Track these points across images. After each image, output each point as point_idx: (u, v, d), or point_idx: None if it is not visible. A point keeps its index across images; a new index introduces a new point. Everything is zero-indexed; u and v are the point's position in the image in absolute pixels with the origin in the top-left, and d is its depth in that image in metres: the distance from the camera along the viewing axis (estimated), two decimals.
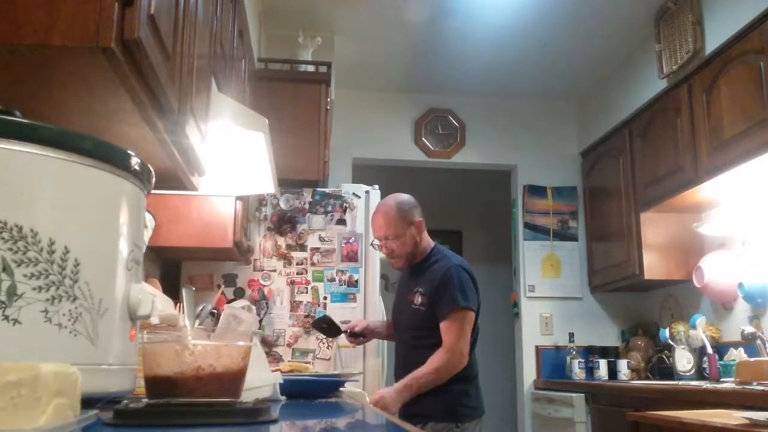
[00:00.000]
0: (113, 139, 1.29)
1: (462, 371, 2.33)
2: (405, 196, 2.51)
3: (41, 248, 0.72)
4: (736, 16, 3.09)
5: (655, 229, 3.93)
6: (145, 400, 0.84)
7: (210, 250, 2.74)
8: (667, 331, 3.82)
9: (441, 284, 2.33)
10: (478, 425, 2.36)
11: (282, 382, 1.26)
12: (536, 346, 4.58)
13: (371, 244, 2.62)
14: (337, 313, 3.16)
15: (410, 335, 2.44)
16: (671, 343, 3.76)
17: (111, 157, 0.82)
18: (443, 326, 2.31)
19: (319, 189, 3.34)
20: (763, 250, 3.35)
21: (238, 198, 2.71)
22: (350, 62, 4.25)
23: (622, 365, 4.11)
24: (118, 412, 0.78)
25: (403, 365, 2.44)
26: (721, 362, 3.35)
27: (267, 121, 2.08)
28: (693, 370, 3.63)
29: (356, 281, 3.20)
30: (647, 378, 4.04)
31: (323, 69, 3.62)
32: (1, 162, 0.72)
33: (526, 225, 4.77)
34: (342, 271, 3.21)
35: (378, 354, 3.13)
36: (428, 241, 2.50)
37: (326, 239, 3.24)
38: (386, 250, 2.46)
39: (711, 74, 3.26)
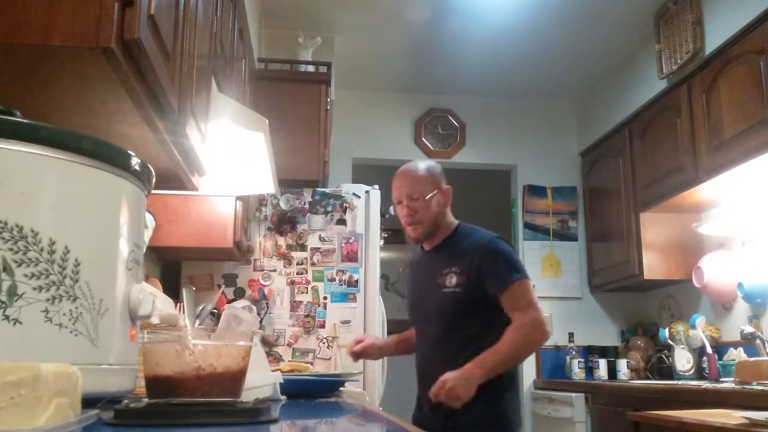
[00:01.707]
0: (113, 139, 1.29)
1: (511, 375, 2.07)
2: (433, 162, 2.25)
3: (42, 248, 0.72)
4: (736, 16, 3.09)
5: (654, 229, 3.93)
6: (146, 400, 0.84)
7: (210, 250, 2.74)
8: (666, 331, 3.83)
9: (487, 258, 2.02)
10: None
11: (282, 381, 1.26)
12: None
13: (385, 214, 2.28)
14: (337, 313, 3.17)
15: (443, 327, 2.07)
16: (671, 342, 3.77)
17: (111, 157, 0.82)
18: (507, 302, 2.00)
19: (319, 189, 3.34)
20: (762, 250, 3.36)
21: (238, 198, 2.71)
22: (350, 62, 4.25)
23: (622, 365, 4.12)
24: (119, 411, 0.78)
25: (432, 366, 2.07)
26: (721, 362, 3.36)
27: (267, 121, 2.08)
28: (692, 370, 3.63)
29: (356, 281, 3.20)
30: (647, 378, 4.04)
31: (323, 69, 3.63)
32: (1, 162, 0.72)
33: (526, 225, 4.77)
34: (342, 271, 3.21)
35: None
36: (452, 218, 2.20)
37: (326, 239, 3.24)
38: (408, 211, 2.11)
39: (711, 74, 3.26)
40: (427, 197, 2.10)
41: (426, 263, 2.20)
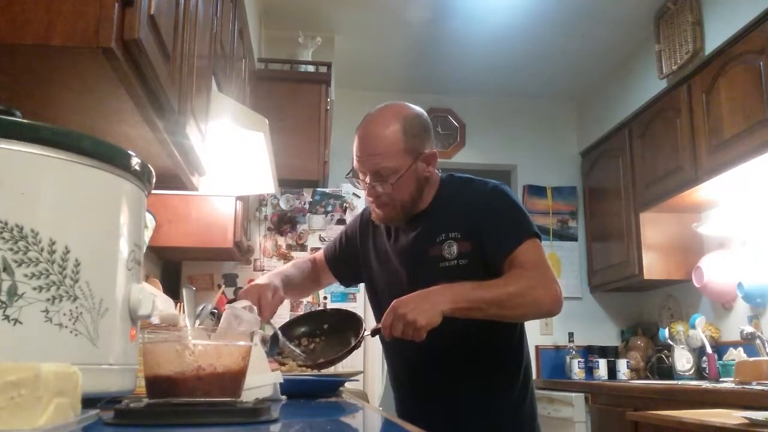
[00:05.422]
0: (113, 139, 1.29)
1: (527, 374, 1.61)
2: (415, 110, 1.57)
3: (42, 248, 0.72)
4: (735, 17, 3.10)
5: (654, 229, 3.94)
6: (146, 400, 0.84)
7: (210, 250, 2.74)
8: (666, 330, 3.83)
9: (494, 209, 1.52)
10: None
11: (282, 381, 1.26)
12: (536, 346, 4.58)
13: (347, 176, 1.62)
14: None
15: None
16: (671, 342, 3.77)
17: (111, 157, 0.82)
18: (517, 258, 1.44)
19: (319, 189, 3.34)
20: (762, 250, 3.36)
21: (238, 198, 2.71)
22: (350, 62, 4.26)
23: (622, 365, 4.12)
24: (119, 411, 0.78)
25: (431, 378, 1.59)
26: (721, 362, 3.36)
27: (267, 121, 2.08)
28: (692, 370, 3.63)
29: None
30: (647, 378, 4.04)
31: (323, 69, 3.63)
32: (1, 162, 0.72)
33: None
34: None
35: (379, 353, 3.12)
36: (435, 175, 1.61)
37: (326, 239, 3.24)
38: (373, 192, 1.50)
39: (711, 74, 3.26)
40: (401, 174, 1.47)
41: (401, 228, 1.60)
